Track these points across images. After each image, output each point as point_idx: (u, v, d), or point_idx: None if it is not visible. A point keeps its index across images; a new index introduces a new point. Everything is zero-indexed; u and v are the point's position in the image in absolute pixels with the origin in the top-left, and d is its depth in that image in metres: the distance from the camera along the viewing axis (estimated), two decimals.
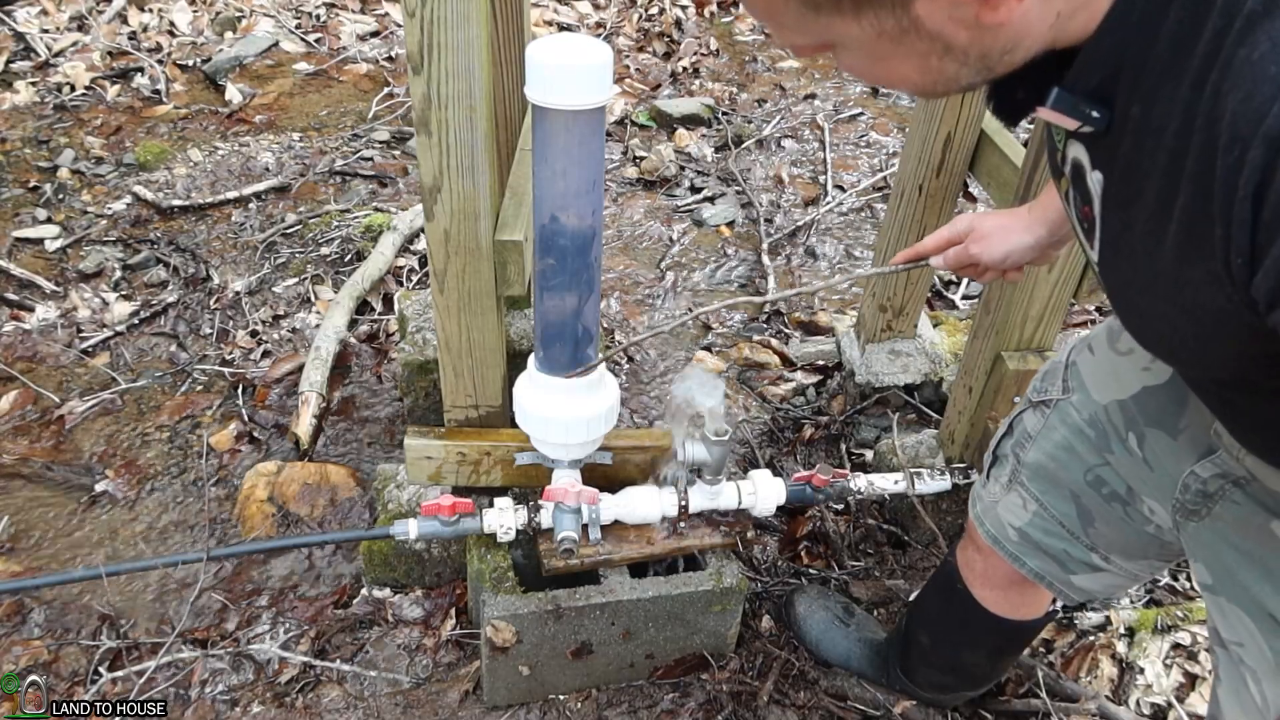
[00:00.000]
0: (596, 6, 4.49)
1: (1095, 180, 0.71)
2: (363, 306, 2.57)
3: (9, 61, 3.62)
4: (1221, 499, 0.93)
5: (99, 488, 2.04)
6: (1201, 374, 0.73)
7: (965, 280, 2.83)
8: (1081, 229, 0.77)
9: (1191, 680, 1.74)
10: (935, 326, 2.26)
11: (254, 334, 2.48)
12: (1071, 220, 0.82)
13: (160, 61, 3.74)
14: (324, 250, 2.81)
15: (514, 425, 1.59)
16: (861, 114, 3.77)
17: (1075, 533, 1.18)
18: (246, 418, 2.22)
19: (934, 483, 1.75)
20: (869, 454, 2.13)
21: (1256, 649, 0.90)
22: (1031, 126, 3.35)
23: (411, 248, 2.81)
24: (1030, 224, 1.18)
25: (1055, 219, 1.16)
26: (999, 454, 1.27)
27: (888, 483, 1.75)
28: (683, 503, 1.61)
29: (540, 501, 1.56)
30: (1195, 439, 0.97)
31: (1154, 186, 0.62)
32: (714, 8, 4.57)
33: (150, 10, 4.03)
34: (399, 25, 4.16)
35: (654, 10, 4.46)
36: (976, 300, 2.68)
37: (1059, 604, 1.42)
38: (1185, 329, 0.65)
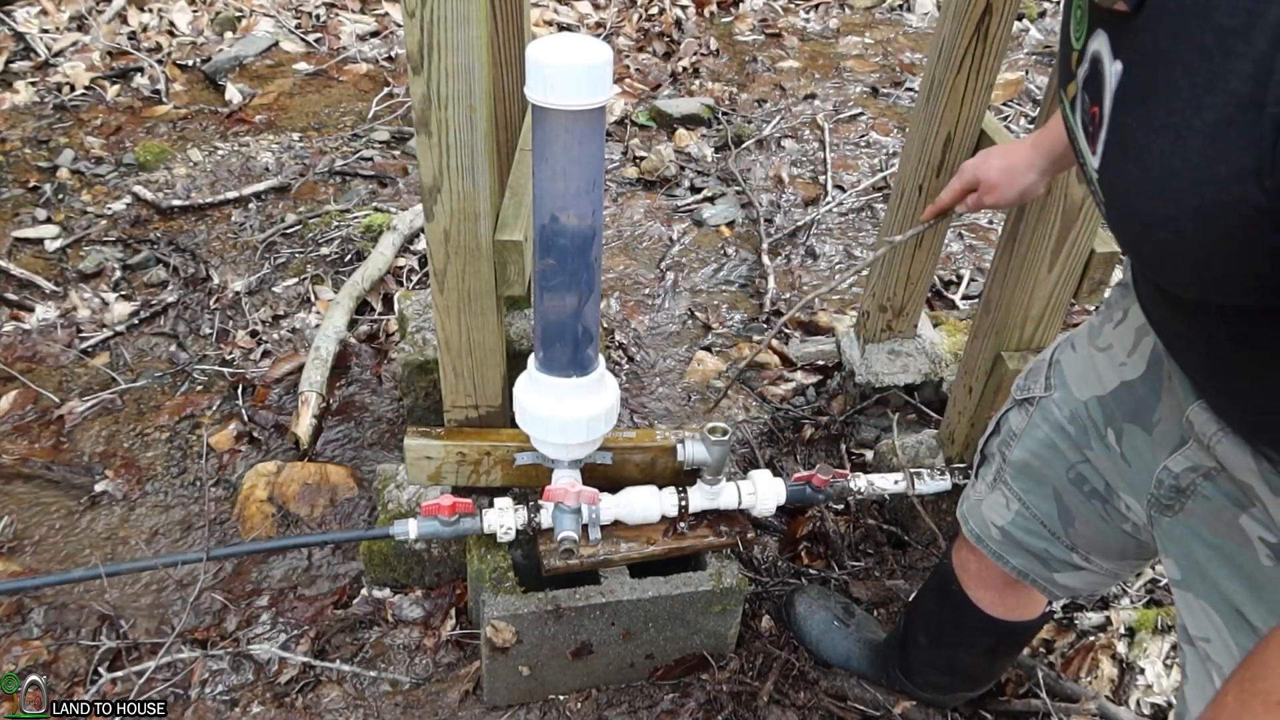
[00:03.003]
0: (596, 6, 4.49)
1: (1113, 72, 0.68)
2: (363, 306, 2.57)
3: (9, 61, 3.62)
4: (1193, 494, 0.93)
5: (99, 488, 2.04)
6: (1201, 294, 0.68)
7: (965, 280, 2.83)
8: (1085, 133, 0.75)
9: None
10: (935, 326, 2.26)
11: (254, 334, 2.48)
12: (1073, 129, 0.80)
13: (160, 61, 3.74)
14: (324, 250, 2.81)
15: (514, 425, 1.59)
16: (861, 114, 3.77)
17: (1056, 532, 1.18)
18: (246, 418, 2.22)
19: (934, 483, 1.75)
20: (869, 454, 2.13)
21: (1222, 645, 0.90)
22: (1031, 127, 3.34)
23: (411, 248, 2.81)
24: (1033, 159, 1.31)
25: (1055, 143, 1.26)
26: (986, 453, 1.28)
27: (888, 483, 1.75)
28: (683, 503, 1.61)
29: (540, 501, 1.56)
30: (1168, 432, 0.97)
31: (1190, 72, 0.59)
32: (714, 8, 4.57)
33: (150, 10, 4.03)
34: (399, 25, 4.16)
35: (654, 10, 4.46)
36: (976, 300, 2.68)
37: (1055, 605, 1.42)
38: (1194, 237, 0.62)
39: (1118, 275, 2.37)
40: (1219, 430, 0.86)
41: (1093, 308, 2.59)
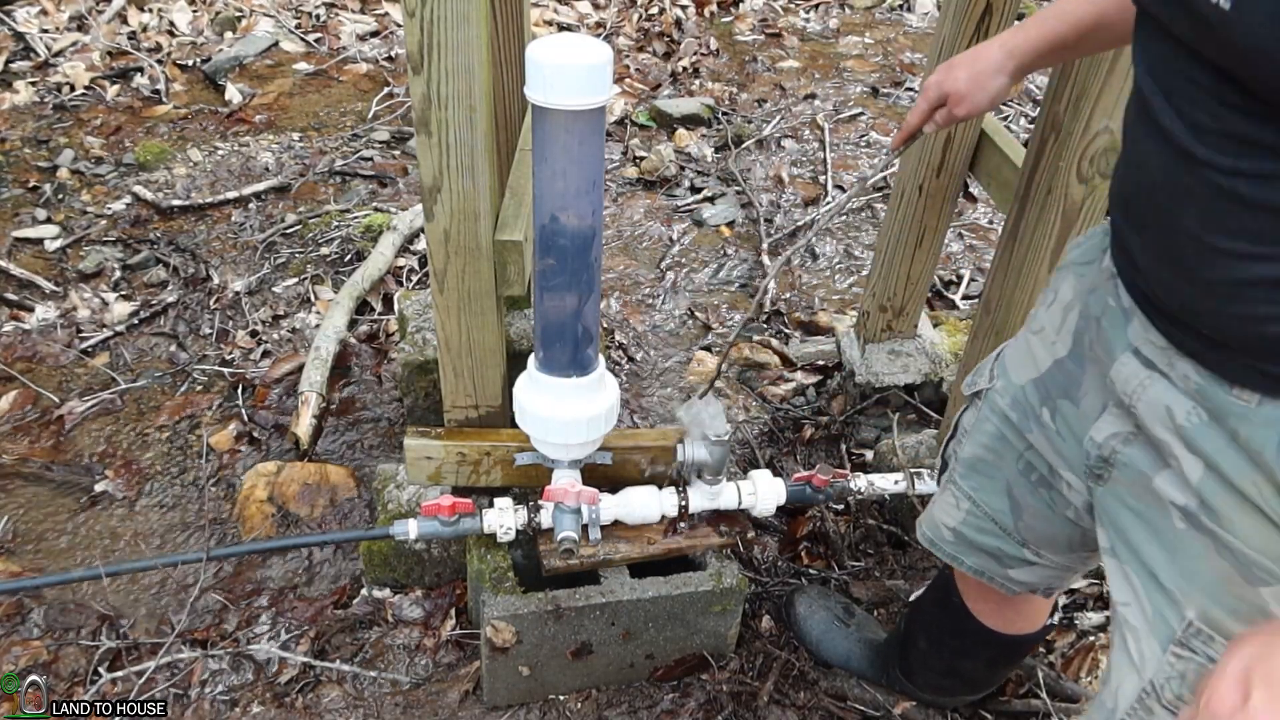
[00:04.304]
0: (596, 6, 4.49)
1: None
2: (363, 306, 2.57)
3: (9, 61, 3.62)
4: (1115, 461, 0.94)
5: (99, 488, 2.04)
6: None
7: (965, 280, 2.83)
8: None
9: None
10: (935, 326, 2.26)
11: (254, 334, 2.48)
12: None
13: (160, 61, 3.74)
14: (324, 250, 2.81)
15: (514, 425, 1.59)
16: (861, 114, 3.77)
17: (1007, 528, 1.18)
18: (246, 418, 2.22)
19: (934, 483, 1.75)
20: (869, 454, 2.13)
21: (1139, 608, 0.91)
22: (1031, 127, 3.36)
23: (411, 248, 2.81)
24: (1002, 62, 1.25)
25: (1025, 45, 1.22)
26: (945, 456, 1.28)
27: (888, 483, 1.75)
28: (683, 503, 1.61)
29: (540, 501, 1.56)
30: (1093, 404, 0.98)
31: None
32: (714, 8, 4.57)
33: (150, 10, 4.03)
34: (399, 25, 4.16)
35: (654, 10, 4.46)
36: (976, 300, 2.68)
37: (1055, 618, 1.42)
38: None
39: None
40: (1143, 381, 0.87)
41: None
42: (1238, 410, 0.79)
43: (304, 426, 2.13)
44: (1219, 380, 0.80)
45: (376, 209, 2.99)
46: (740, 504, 1.64)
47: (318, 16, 4.20)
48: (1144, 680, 0.90)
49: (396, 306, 2.54)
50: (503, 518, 1.56)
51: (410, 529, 1.54)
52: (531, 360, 1.49)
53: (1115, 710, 0.93)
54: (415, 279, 2.70)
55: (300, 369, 2.30)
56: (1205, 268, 0.77)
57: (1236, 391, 0.79)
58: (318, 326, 2.46)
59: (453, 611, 1.78)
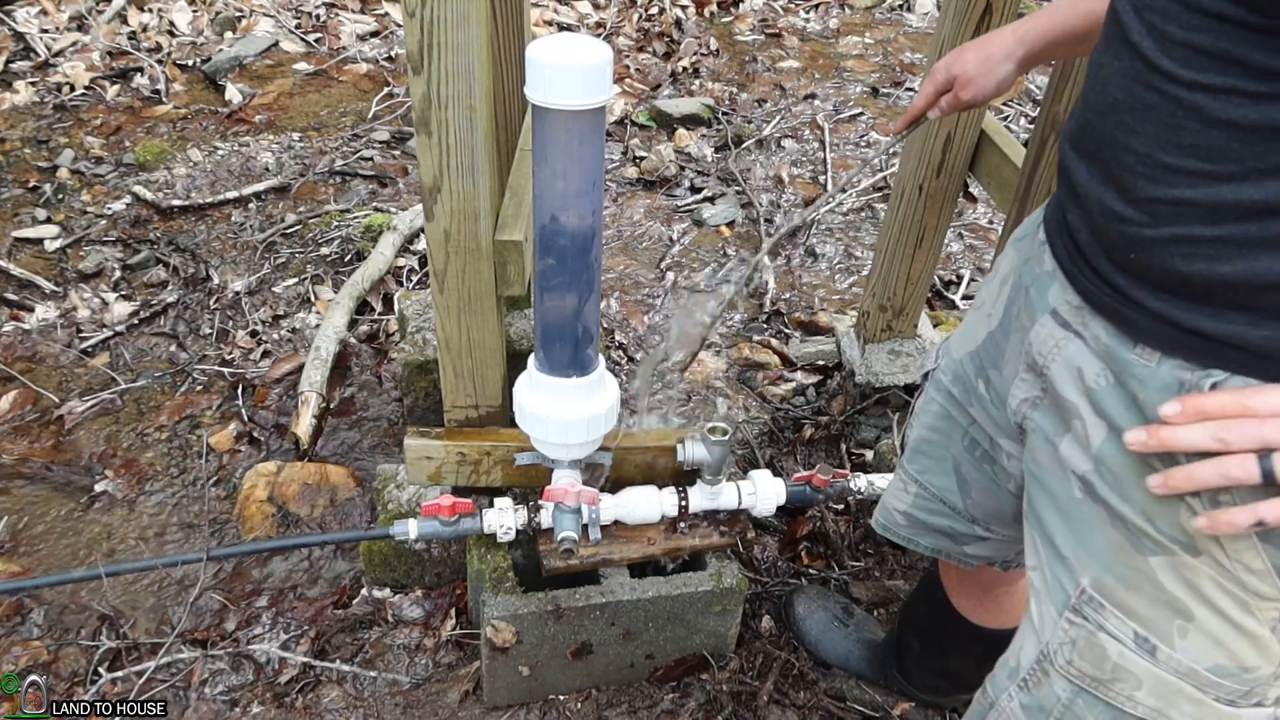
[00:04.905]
0: (596, 6, 4.49)
1: None
2: (363, 306, 2.57)
3: (9, 61, 3.62)
4: (1026, 426, 0.96)
5: (99, 488, 2.04)
6: None
7: (965, 280, 2.83)
8: None
9: None
10: (935, 326, 2.26)
11: (254, 334, 2.48)
12: None
13: (160, 61, 3.74)
14: (324, 250, 2.81)
15: (514, 425, 1.59)
16: (861, 114, 3.77)
17: (956, 508, 1.19)
18: (246, 418, 2.22)
19: None
20: (869, 454, 2.13)
21: (1042, 574, 0.93)
22: (1031, 127, 3.36)
23: (411, 248, 2.81)
24: (1012, 48, 1.23)
25: (1036, 33, 1.20)
26: (903, 442, 1.29)
27: (888, 483, 1.75)
28: (683, 503, 1.61)
29: (540, 501, 1.56)
30: (1011, 370, 0.99)
31: None
32: (714, 8, 4.57)
33: (150, 10, 4.03)
34: (399, 25, 4.16)
35: (654, 10, 4.46)
36: None
37: None
38: None
39: None
40: (1059, 342, 0.87)
41: None
42: (1139, 372, 0.79)
43: (304, 426, 2.13)
44: (1124, 338, 0.80)
45: (376, 209, 2.99)
46: (740, 504, 1.64)
47: (318, 16, 4.20)
48: (1041, 643, 0.92)
49: (396, 306, 2.54)
50: (503, 518, 1.56)
51: (410, 529, 1.54)
52: (531, 360, 1.49)
53: (1018, 670, 0.96)
54: (415, 279, 2.70)
55: (300, 369, 2.30)
56: (1151, 185, 0.76)
57: (1139, 350, 0.79)
58: (318, 326, 2.46)
59: (453, 611, 1.78)
